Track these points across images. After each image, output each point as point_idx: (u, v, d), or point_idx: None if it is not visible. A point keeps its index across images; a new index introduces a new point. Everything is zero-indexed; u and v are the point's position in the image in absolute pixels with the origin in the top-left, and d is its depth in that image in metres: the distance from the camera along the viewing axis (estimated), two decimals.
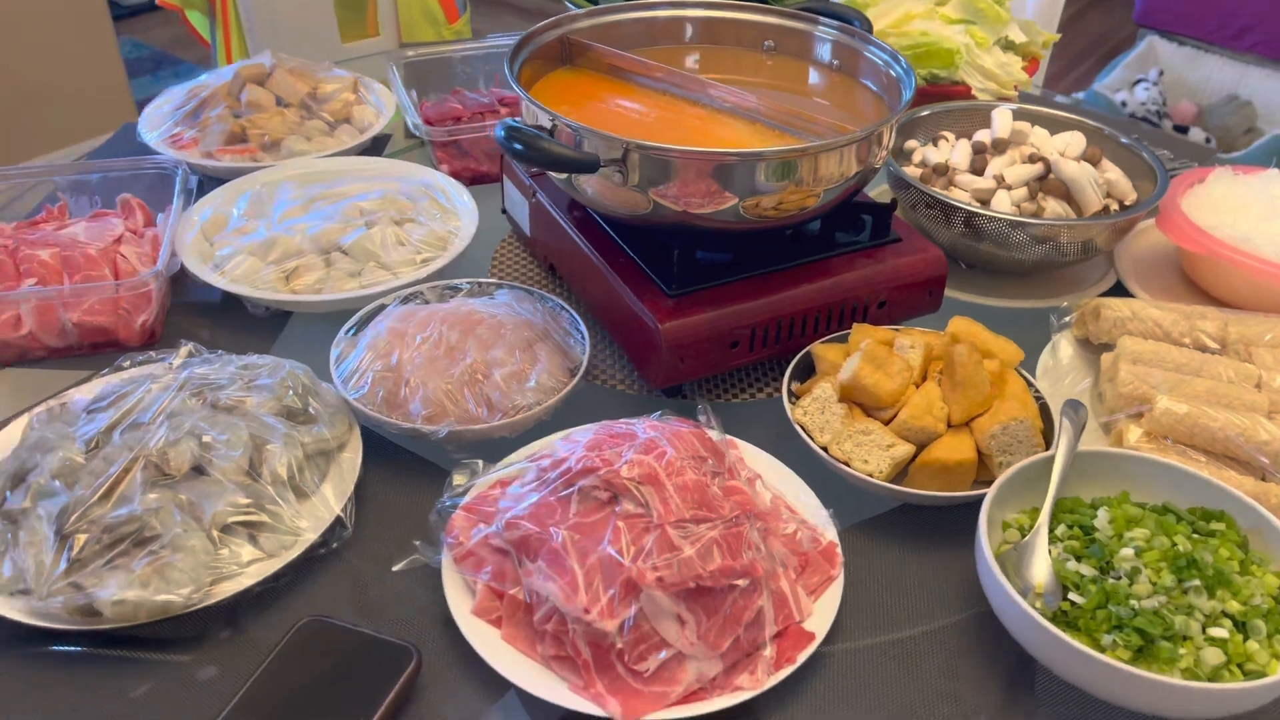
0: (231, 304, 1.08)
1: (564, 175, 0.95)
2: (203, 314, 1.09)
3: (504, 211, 1.22)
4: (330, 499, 0.82)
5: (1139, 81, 3.53)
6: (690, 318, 0.92)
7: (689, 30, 1.13)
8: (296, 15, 1.73)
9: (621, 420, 0.83)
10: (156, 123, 1.34)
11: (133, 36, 4.25)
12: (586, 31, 1.09)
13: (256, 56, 1.37)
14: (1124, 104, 3.33)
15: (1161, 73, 3.61)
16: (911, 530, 0.86)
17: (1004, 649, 0.76)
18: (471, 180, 1.31)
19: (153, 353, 0.94)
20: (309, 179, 1.22)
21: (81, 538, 0.73)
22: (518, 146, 0.85)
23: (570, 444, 0.78)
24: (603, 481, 0.74)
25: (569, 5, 1.40)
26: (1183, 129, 3.35)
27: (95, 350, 1.01)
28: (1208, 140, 3.23)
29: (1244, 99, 3.36)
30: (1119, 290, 1.13)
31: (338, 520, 0.81)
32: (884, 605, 0.80)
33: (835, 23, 1.08)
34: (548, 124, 0.91)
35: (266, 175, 1.22)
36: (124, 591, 0.71)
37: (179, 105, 1.34)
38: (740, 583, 0.71)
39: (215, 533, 0.76)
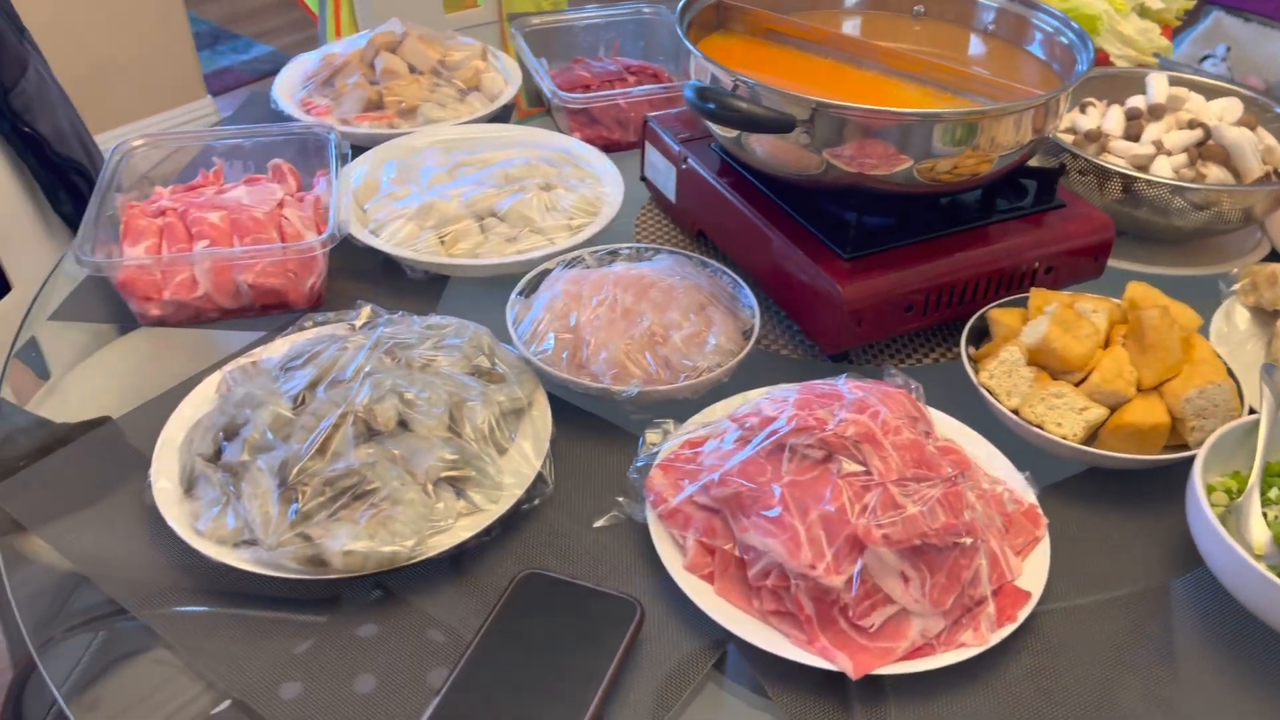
0: (388, 268, 1.09)
1: (733, 135, 0.95)
2: (361, 277, 1.09)
3: (643, 179, 1.22)
4: (530, 454, 0.83)
5: (1206, 57, 3.48)
6: (869, 280, 0.92)
7: None
8: None
9: (820, 380, 0.83)
10: (289, 90, 1.35)
11: (191, 10, 4.27)
12: None
13: (386, 23, 1.38)
14: None
15: (1229, 49, 3.56)
16: (1101, 494, 0.86)
17: (1217, 610, 0.76)
18: (603, 148, 1.31)
19: (330, 314, 0.95)
20: (451, 145, 1.23)
21: (305, 490, 0.74)
22: (710, 106, 0.85)
23: (777, 403, 0.78)
24: (818, 441, 0.74)
25: None
26: None
27: (264, 311, 1.02)
28: None
29: None
30: (1274, 260, 1.12)
31: (539, 476, 0.81)
32: (1086, 567, 0.80)
33: None
34: (729, 84, 0.91)
35: (408, 141, 1.23)
36: (353, 543, 0.72)
37: (311, 74, 1.35)
38: (965, 540, 0.71)
39: (429, 486, 0.77)
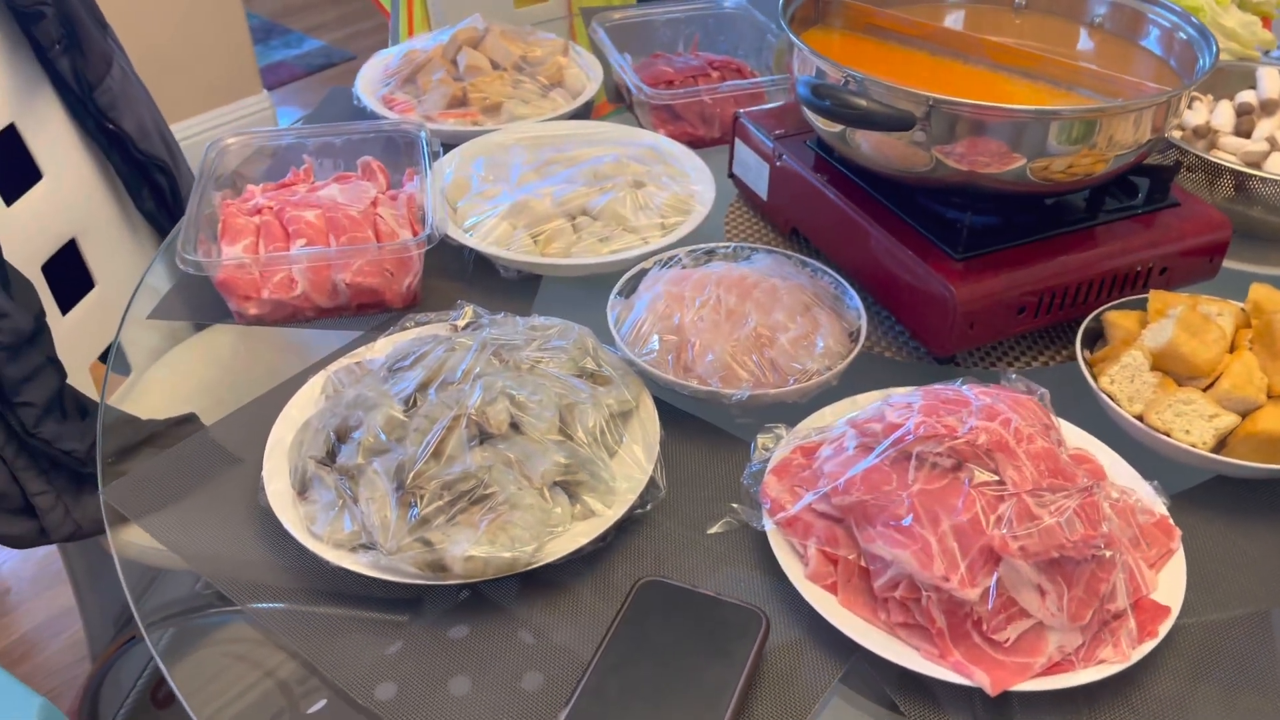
0: (481, 267, 1.08)
1: (837, 130, 0.93)
2: (454, 277, 1.09)
3: (731, 176, 1.20)
4: (641, 458, 0.81)
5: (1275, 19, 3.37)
6: (982, 282, 0.89)
7: None
8: None
9: (943, 385, 0.81)
10: (370, 87, 1.34)
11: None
12: None
13: (467, 19, 1.37)
14: None
15: None
16: (1232, 503, 0.83)
17: None
18: (686, 145, 1.29)
19: (431, 314, 0.94)
20: (537, 143, 1.21)
21: (424, 493, 0.74)
22: (826, 103, 0.83)
23: (901, 409, 0.76)
24: (948, 449, 0.72)
25: None
26: None
27: (361, 311, 1.02)
28: None
29: None
30: None
31: (651, 480, 0.80)
32: (1223, 580, 0.77)
33: None
34: (840, 80, 0.89)
35: (495, 139, 1.22)
36: (474, 548, 0.71)
37: (393, 70, 1.34)
38: (1104, 552, 0.69)
39: (545, 491, 0.76)
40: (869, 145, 0.92)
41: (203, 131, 3.09)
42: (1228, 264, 1.07)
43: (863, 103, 0.82)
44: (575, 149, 1.19)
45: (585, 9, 1.77)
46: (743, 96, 1.29)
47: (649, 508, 0.80)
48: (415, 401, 0.81)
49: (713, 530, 0.80)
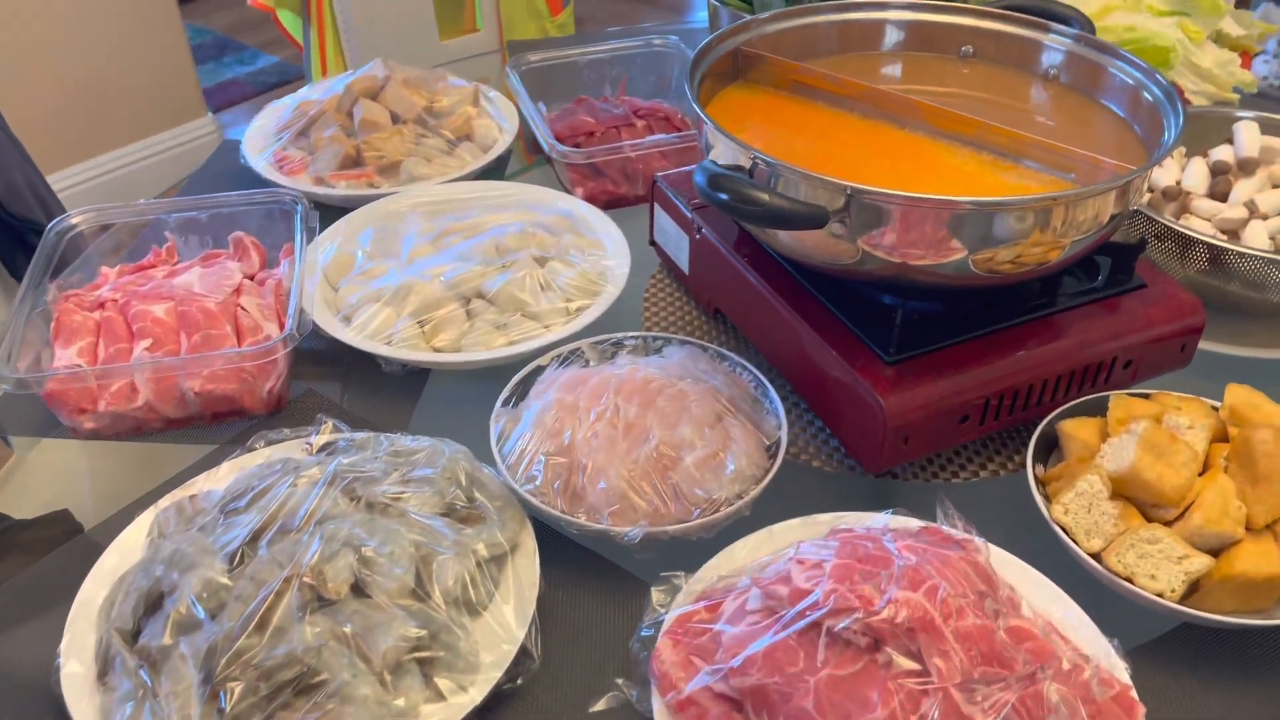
0: (362, 359, 0.95)
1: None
2: (330, 366, 0.96)
3: (652, 243, 1.08)
4: (511, 620, 0.69)
5: (1256, 55, 3.26)
6: (916, 389, 0.77)
7: (888, 36, 0.97)
8: (395, 11, 1.60)
9: (859, 530, 0.69)
10: (261, 142, 1.22)
11: (193, 22, 4.16)
12: (766, 40, 0.94)
13: (367, 65, 1.24)
14: None
15: None
16: (1202, 659, 0.71)
17: None
18: (607, 204, 1.17)
19: (287, 430, 0.82)
20: (436, 209, 1.09)
21: (235, 687, 0.61)
22: (724, 198, 0.71)
23: (809, 571, 0.64)
24: (863, 626, 0.60)
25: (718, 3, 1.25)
26: None
27: (217, 419, 0.89)
28: None
29: None
30: None
31: (522, 649, 0.68)
32: None
33: (1070, 31, 0.91)
34: (745, 163, 0.77)
35: (388, 205, 1.09)
36: None
37: (285, 124, 1.22)
38: None
39: (386, 675, 0.64)
40: (788, 236, 0.80)
41: (144, 158, 2.95)
42: (1205, 345, 0.95)
43: (765, 197, 0.70)
44: (479, 215, 1.07)
45: (514, 42, 1.65)
46: (670, 151, 1.17)
47: (520, 682, 0.68)
48: (243, 557, 0.68)
49: (596, 708, 0.67)
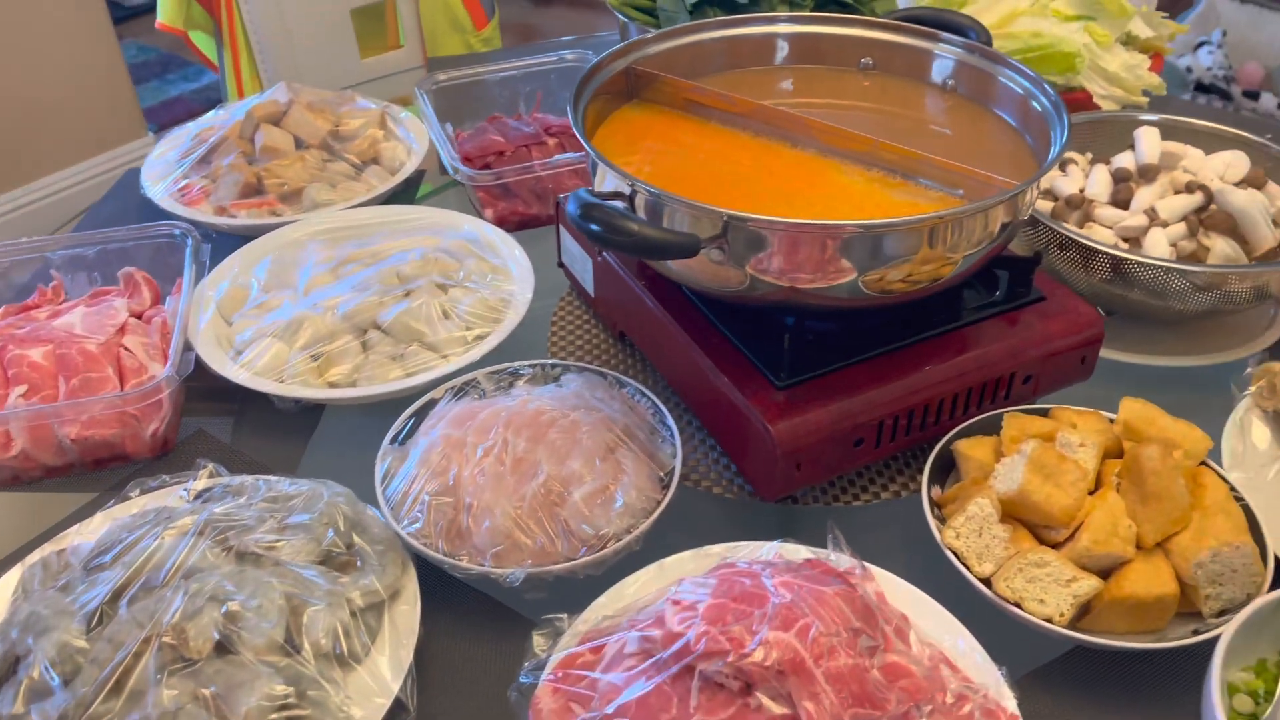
0: (255, 395, 0.93)
1: None
2: (222, 403, 0.94)
3: (561, 265, 1.06)
4: (385, 672, 0.67)
5: (1201, 44, 3.30)
6: (807, 415, 0.76)
7: (779, 50, 0.96)
8: (311, 31, 1.57)
9: (740, 565, 0.67)
10: (162, 172, 1.19)
11: (136, 39, 4.10)
12: (657, 58, 0.92)
13: (270, 90, 1.22)
14: (1189, 70, 3.10)
15: (1225, 33, 3.38)
16: (1096, 682, 0.70)
17: None
18: (519, 225, 1.15)
19: (166, 476, 0.79)
20: (338, 236, 1.07)
21: None
22: (595, 229, 0.69)
23: (684, 613, 0.62)
24: (734, 669, 0.58)
25: (620, 15, 1.23)
26: (1253, 94, 3.13)
27: (99, 466, 0.86)
28: None
29: None
30: None
31: (396, 702, 0.65)
32: None
33: (959, 40, 0.90)
34: (626, 190, 0.75)
35: (288, 233, 1.07)
36: None
37: (186, 151, 1.19)
38: None
39: None
40: (677, 264, 0.78)
41: (81, 181, 2.90)
42: (1109, 354, 0.94)
43: (634, 227, 0.68)
44: (381, 242, 1.04)
45: (436, 59, 1.62)
46: (582, 169, 1.15)
47: None
48: (103, 617, 0.66)
49: None
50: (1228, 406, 0.85)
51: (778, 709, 0.57)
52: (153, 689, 0.61)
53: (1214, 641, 0.64)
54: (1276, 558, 0.70)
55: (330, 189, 1.14)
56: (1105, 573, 0.70)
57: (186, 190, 1.15)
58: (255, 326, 0.94)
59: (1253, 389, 0.85)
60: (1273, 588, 0.68)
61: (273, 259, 1.03)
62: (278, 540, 0.71)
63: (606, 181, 0.78)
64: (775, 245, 0.71)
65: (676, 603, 0.64)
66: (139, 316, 0.94)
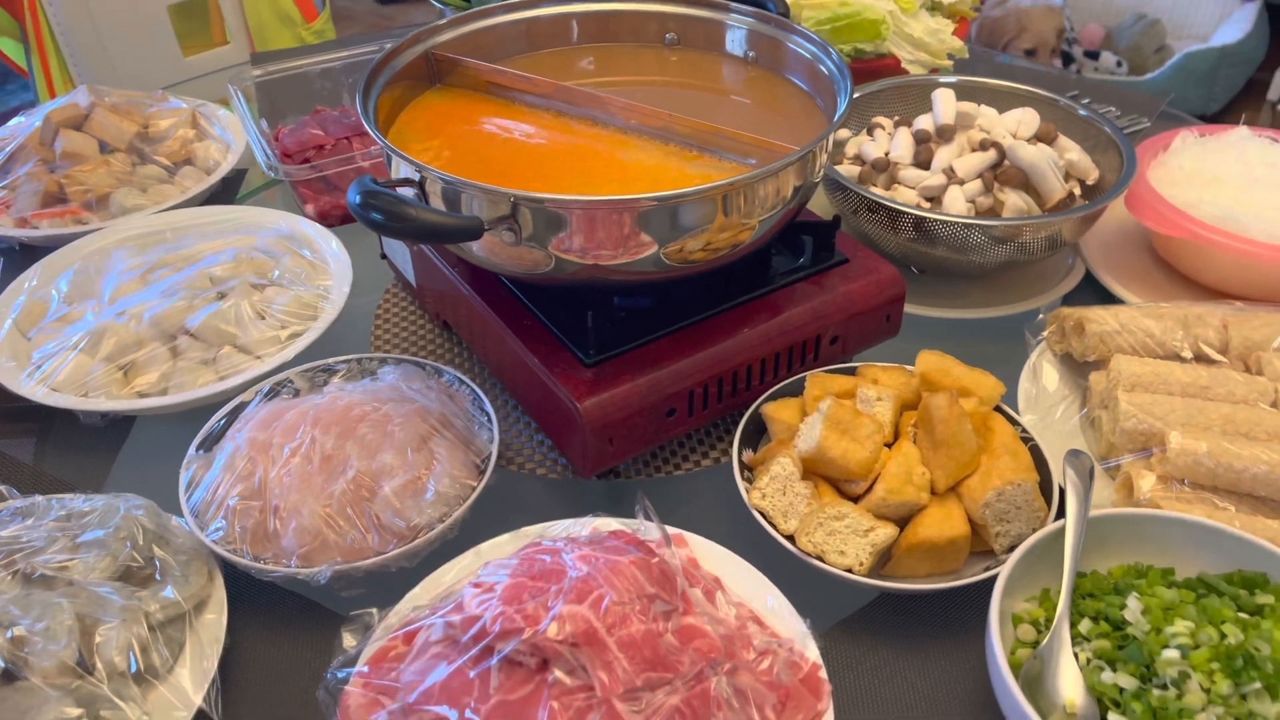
0: (58, 412, 0.89)
1: None
2: (24, 422, 0.90)
3: (384, 257, 1.05)
4: (187, 684, 0.65)
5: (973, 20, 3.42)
6: (615, 390, 0.76)
7: (576, 30, 0.96)
8: (125, 31, 1.50)
9: (545, 544, 0.68)
10: None
11: None
12: (454, 43, 0.92)
13: (70, 94, 1.16)
14: None
15: None
16: (899, 624, 0.73)
17: None
18: (343, 219, 1.13)
19: None
20: (148, 241, 1.03)
21: None
22: (376, 217, 0.68)
23: (483, 595, 0.62)
24: (530, 645, 0.58)
25: (437, 3, 1.22)
26: (1093, 54, 3.27)
27: None
28: (1119, 64, 3.16)
29: (1151, 17, 3.29)
30: (1090, 283, 1.01)
31: (199, 714, 0.64)
32: None
33: (749, 9, 0.92)
34: (415, 176, 0.74)
35: (94, 242, 1.02)
36: None
37: None
38: None
39: None
40: (480, 249, 0.77)
41: None
42: (917, 309, 0.98)
43: (413, 213, 0.67)
44: (194, 244, 1.01)
45: (260, 55, 1.57)
46: None
47: None
48: None
49: None
50: (1026, 355, 0.89)
51: (573, 681, 0.58)
52: None
53: None
54: (1061, 490, 0.74)
55: (140, 193, 1.09)
56: (904, 521, 0.72)
57: None
58: (56, 340, 0.90)
59: (1045, 334, 0.89)
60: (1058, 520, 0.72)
61: (76, 269, 0.99)
62: (70, 560, 0.68)
63: (401, 170, 0.77)
64: (573, 224, 0.72)
65: (477, 585, 0.64)
66: None
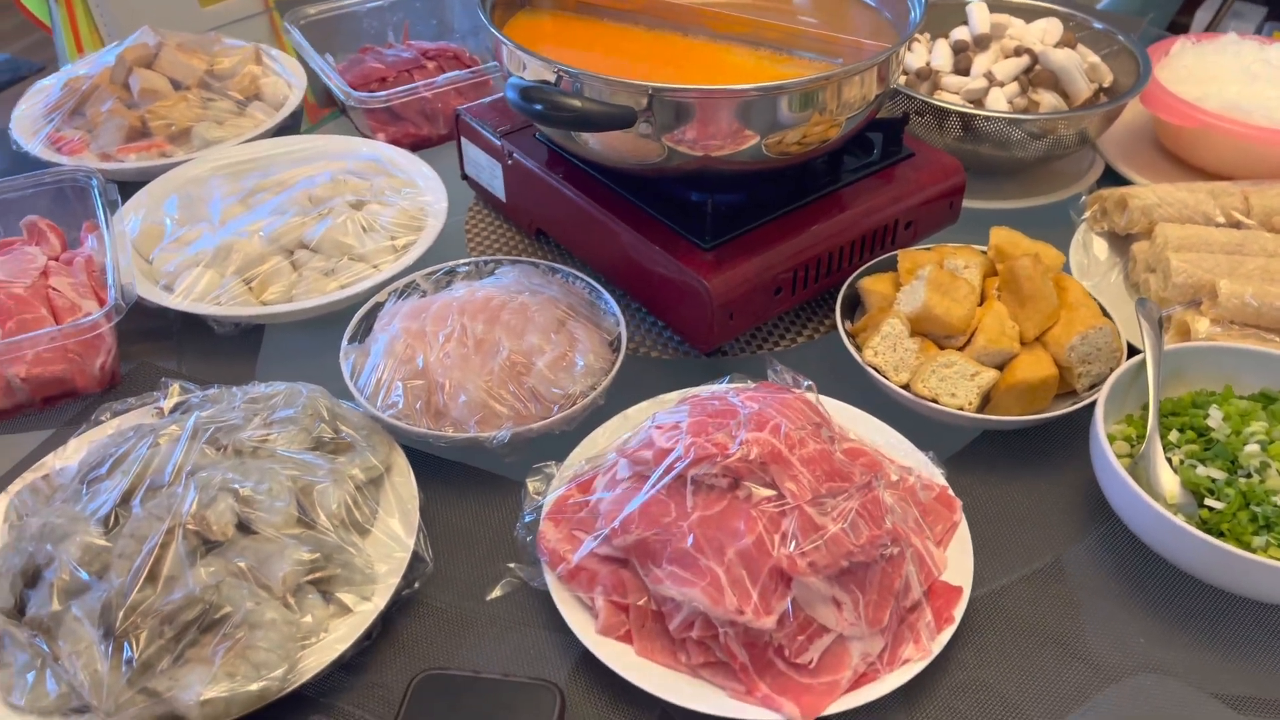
0: (191, 325, 0.94)
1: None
2: (160, 339, 0.95)
3: (464, 177, 1.11)
4: (399, 531, 0.73)
5: None
6: (735, 269, 0.85)
7: None
8: None
9: (707, 392, 0.76)
10: (30, 126, 1.15)
11: None
12: None
13: (133, 35, 1.19)
14: None
15: None
16: (1001, 458, 0.84)
17: (1143, 563, 0.75)
18: (412, 146, 1.19)
19: (132, 399, 0.81)
20: (239, 170, 1.08)
21: (140, 634, 0.62)
22: (539, 108, 0.75)
23: (669, 432, 0.71)
24: (722, 469, 0.67)
25: None
26: None
27: (49, 404, 0.87)
28: None
29: None
30: (1111, 177, 1.12)
31: (414, 556, 0.71)
32: (1004, 540, 0.77)
33: None
34: (550, 78, 0.82)
35: (187, 171, 1.07)
36: (211, 688, 0.61)
37: (55, 104, 1.16)
38: (891, 550, 0.66)
39: (289, 598, 0.66)
40: (599, 143, 0.85)
41: None
42: (967, 204, 1.08)
43: (577, 103, 0.75)
44: (284, 170, 1.06)
45: (282, 1, 1.60)
46: (464, 87, 1.19)
47: (417, 586, 0.72)
48: (117, 519, 0.68)
49: (493, 595, 0.72)
50: (1067, 237, 1.00)
51: (765, 492, 0.67)
52: (187, 571, 0.65)
53: (1090, 409, 0.77)
54: (1129, 344, 0.85)
55: (218, 126, 1.14)
56: (999, 368, 0.83)
57: (62, 142, 1.13)
58: (178, 259, 0.95)
59: (1088, 214, 1.00)
60: None
61: (179, 196, 1.03)
62: (269, 434, 0.75)
63: (528, 75, 0.84)
64: (693, 115, 0.80)
65: (660, 427, 0.72)
66: (55, 260, 0.94)
